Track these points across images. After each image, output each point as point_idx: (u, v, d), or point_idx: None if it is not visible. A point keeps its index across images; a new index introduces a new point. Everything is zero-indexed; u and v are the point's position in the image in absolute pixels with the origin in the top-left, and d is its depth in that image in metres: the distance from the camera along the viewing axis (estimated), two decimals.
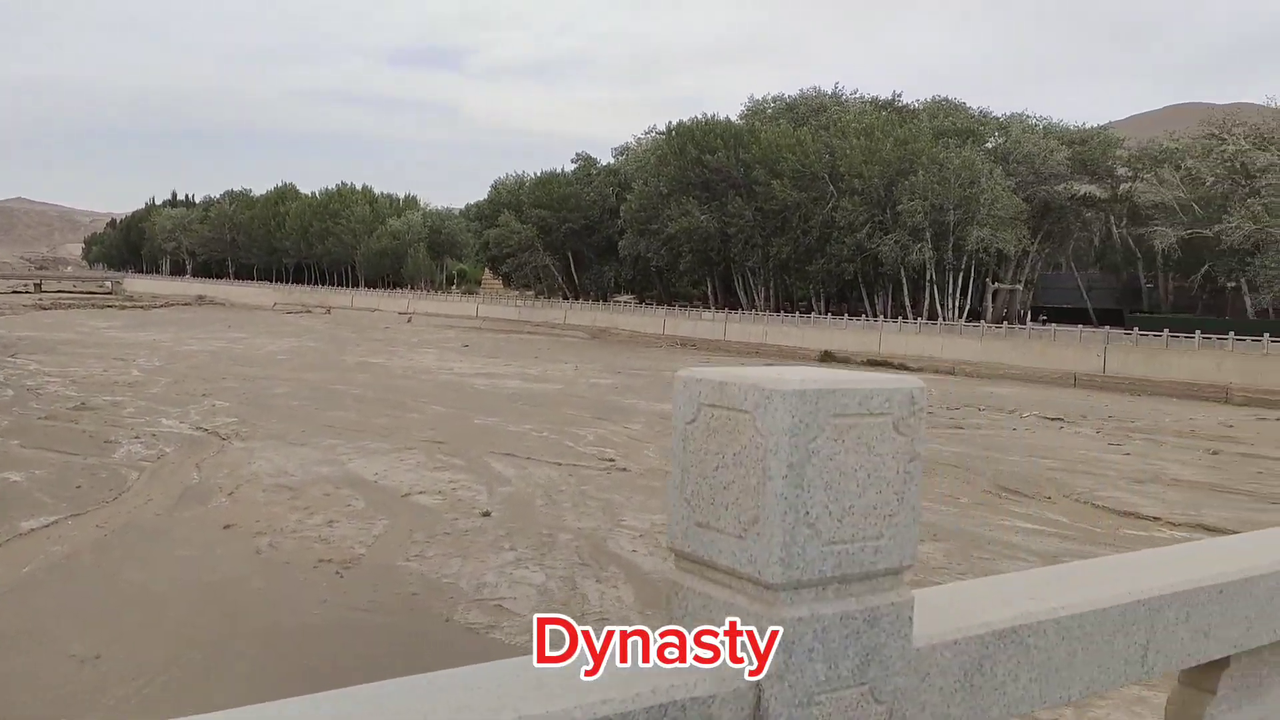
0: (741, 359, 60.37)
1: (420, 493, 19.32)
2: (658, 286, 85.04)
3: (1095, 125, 75.57)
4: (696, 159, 68.06)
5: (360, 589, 13.27)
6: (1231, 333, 44.31)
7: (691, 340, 68.15)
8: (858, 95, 78.31)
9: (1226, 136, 62.14)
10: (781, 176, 64.67)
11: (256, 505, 17.99)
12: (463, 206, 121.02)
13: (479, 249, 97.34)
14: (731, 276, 75.71)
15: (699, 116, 74.98)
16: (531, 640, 11.55)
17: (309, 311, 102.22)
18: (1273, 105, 61.17)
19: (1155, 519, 19.20)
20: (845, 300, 72.86)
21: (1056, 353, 48.89)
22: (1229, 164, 61.18)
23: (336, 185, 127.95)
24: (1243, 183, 59.81)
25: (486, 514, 17.63)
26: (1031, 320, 66.97)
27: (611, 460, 23.51)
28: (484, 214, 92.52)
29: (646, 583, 13.87)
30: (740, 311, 70.83)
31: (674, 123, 74.57)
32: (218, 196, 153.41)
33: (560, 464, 22.73)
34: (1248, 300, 62.16)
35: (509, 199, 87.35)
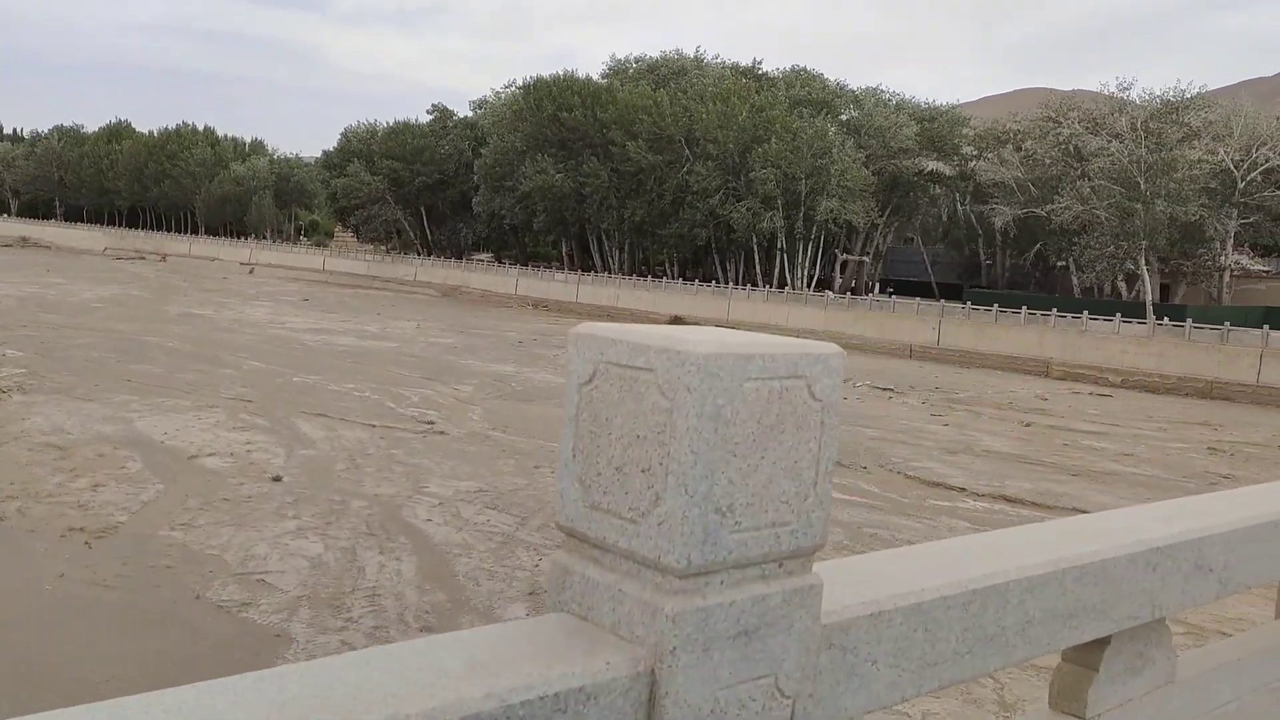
0: (591, 321, 59.81)
1: (210, 455, 17.95)
2: (515, 246, 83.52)
3: (945, 104, 77.79)
4: (553, 116, 66.70)
5: (108, 562, 12.03)
6: (1054, 309, 46.34)
7: (544, 301, 67.20)
8: (719, 60, 78.29)
9: (1062, 120, 64.82)
10: (637, 138, 64.04)
11: (16, 465, 16.30)
12: (318, 155, 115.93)
13: (327, 199, 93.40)
14: (588, 238, 74.93)
15: (559, 73, 73.58)
16: (290, 620, 10.65)
17: (142, 258, 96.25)
18: (1105, 92, 64.01)
19: (961, 489, 19.56)
20: (700, 266, 73.14)
21: (895, 324, 50.19)
22: (1063, 146, 63.89)
23: (177, 125, 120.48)
24: (1075, 165, 62.57)
25: (277, 479, 16.46)
26: (880, 292, 68.73)
27: (431, 423, 22.54)
28: (333, 163, 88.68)
29: (433, 555, 13.10)
30: (593, 274, 70.16)
31: (532, 77, 72.86)
32: (45, 131, 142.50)
33: (375, 426, 21.63)
34: (1074, 279, 65.38)
35: (359, 148, 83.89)
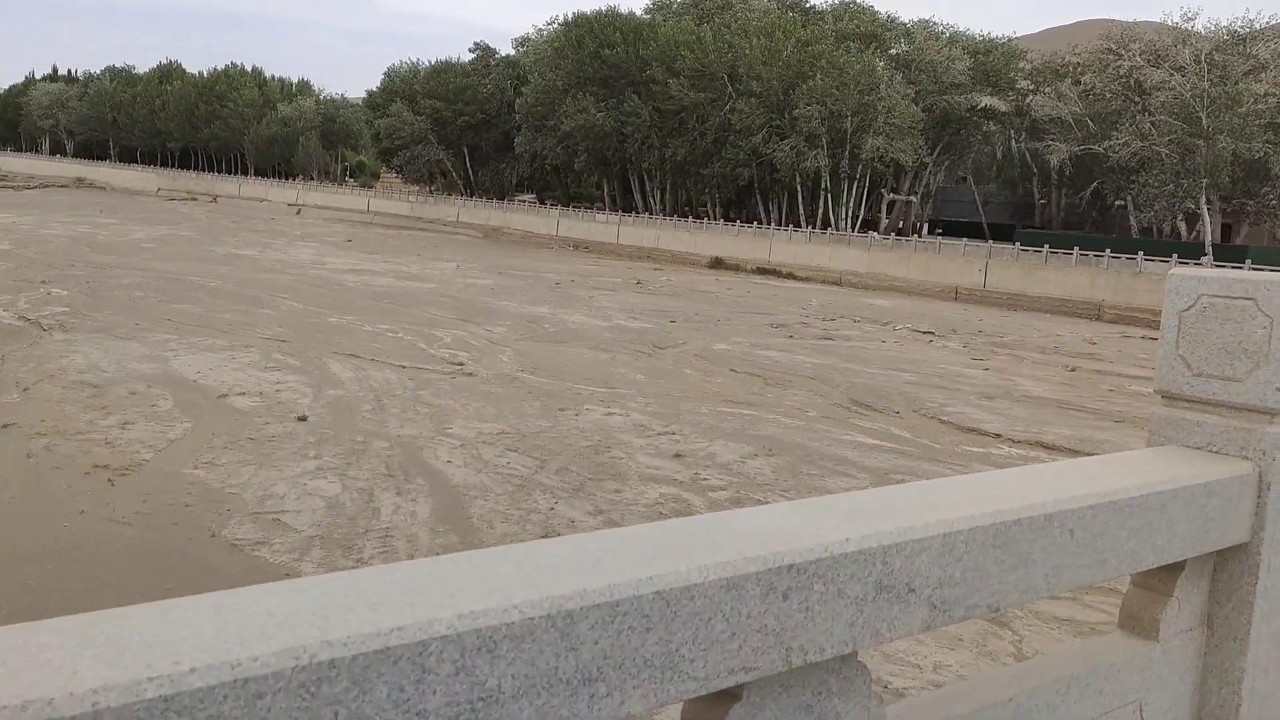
0: (632, 262, 59.47)
1: (240, 394, 18.12)
2: (558, 187, 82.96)
3: (1002, 36, 75.18)
4: (594, 53, 65.67)
5: (128, 500, 12.18)
6: (1107, 250, 45.01)
7: (584, 242, 66.88)
8: None
9: (1123, 52, 62.36)
10: (679, 75, 62.86)
11: (49, 403, 16.58)
12: (363, 96, 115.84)
13: (371, 140, 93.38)
14: (629, 179, 74.16)
15: (602, 9, 72.28)
16: (301, 560, 10.70)
17: (194, 199, 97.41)
18: (1168, 23, 61.36)
19: (996, 436, 19.14)
20: (744, 207, 72.12)
21: (940, 266, 49.16)
22: (1123, 80, 61.56)
23: (225, 66, 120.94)
24: (1135, 99, 60.33)
25: (302, 418, 16.56)
26: (928, 233, 67.31)
27: (460, 364, 22.55)
28: (376, 103, 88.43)
29: (450, 497, 13.09)
30: (634, 215, 69.53)
31: (573, 13, 71.69)
32: (98, 72, 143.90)
33: (404, 367, 21.68)
34: (1132, 219, 63.41)
35: (402, 88, 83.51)
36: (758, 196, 68.02)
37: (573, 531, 12.00)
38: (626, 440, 16.68)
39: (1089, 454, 17.77)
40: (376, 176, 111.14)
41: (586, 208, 77.59)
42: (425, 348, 24.53)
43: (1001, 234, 67.90)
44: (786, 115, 61.80)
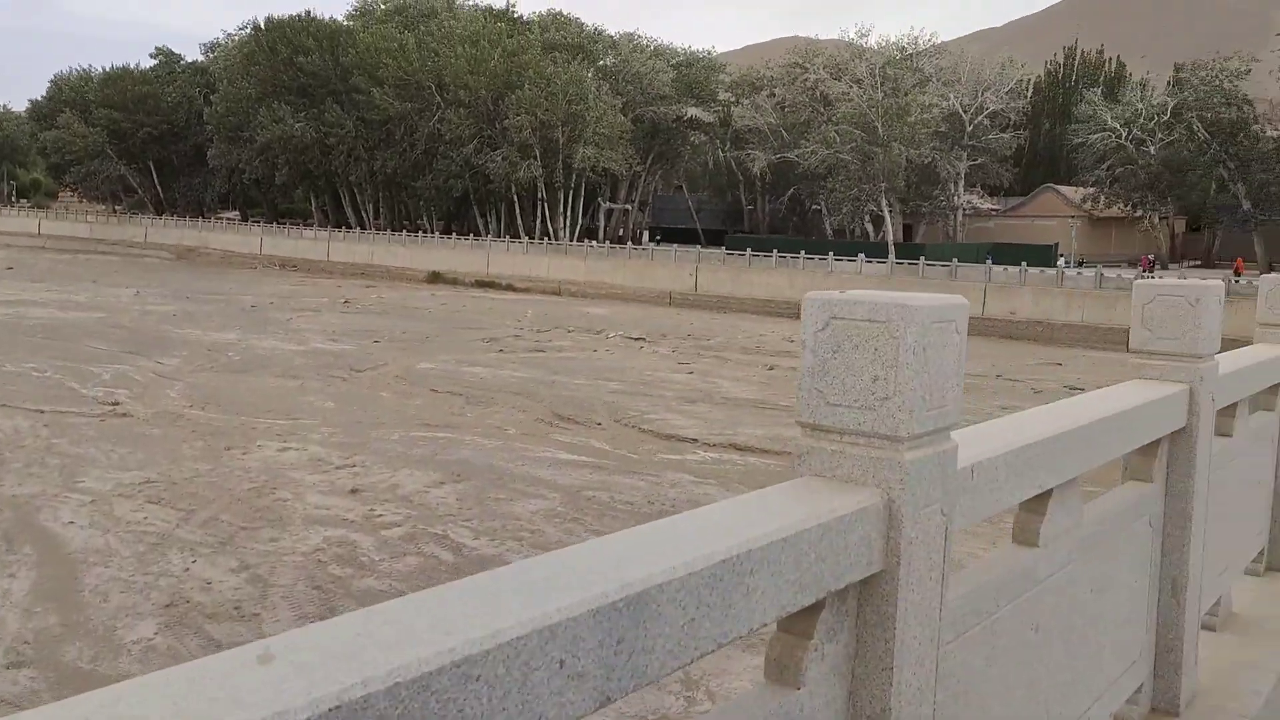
0: (344, 280, 56.62)
1: None
2: (263, 203, 77.82)
3: (702, 50, 78.29)
4: (289, 60, 61.94)
5: None
6: (802, 252, 47.56)
7: (292, 261, 63.04)
8: (470, 3, 75.25)
9: (808, 67, 66.55)
10: (383, 84, 60.51)
11: None
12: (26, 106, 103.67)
13: (38, 154, 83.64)
14: (339, 193, 70.72)
15: (298, 13, 68.40)
16: None
17: None
18: (845, 39, 66.13)
19: (693, 440, 19.12)
20: (464, 219, 70.69)
21: (654, 272, 50.10)
22: (811, 92, 65.68)
23: None
24: (822, 110, 64.49)
25: None
26: (648, 240, 68.80)
27: (115, 404, 19.91)
28: (43, 114, 79.17)
29: (62, 565, 11.07)
30: (345, 231, 66.33)
31: (264, 19, 67.41)
32: None
33: (42, 412, 18.80)
34: (826, 222, 67.78)
35: (72, 97, 75.27)
36: (475, 208, 66.81)
37: (207, 594, 10.41)
38: (298, 478, 15.09)
39: (780, 453, 18.00)
40: (54, 196, 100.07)
41: (296, 224, 73.23)
42: (76, 387, 21.55)
43: (715, 239, 70.61)
44: (497, 125, 61.02)
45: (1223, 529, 3.76)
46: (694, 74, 73.85)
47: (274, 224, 71.37)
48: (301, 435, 18.01)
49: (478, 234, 64.65)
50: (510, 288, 53.15)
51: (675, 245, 57.68)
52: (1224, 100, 60.13)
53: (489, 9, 73.56)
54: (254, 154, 65.49)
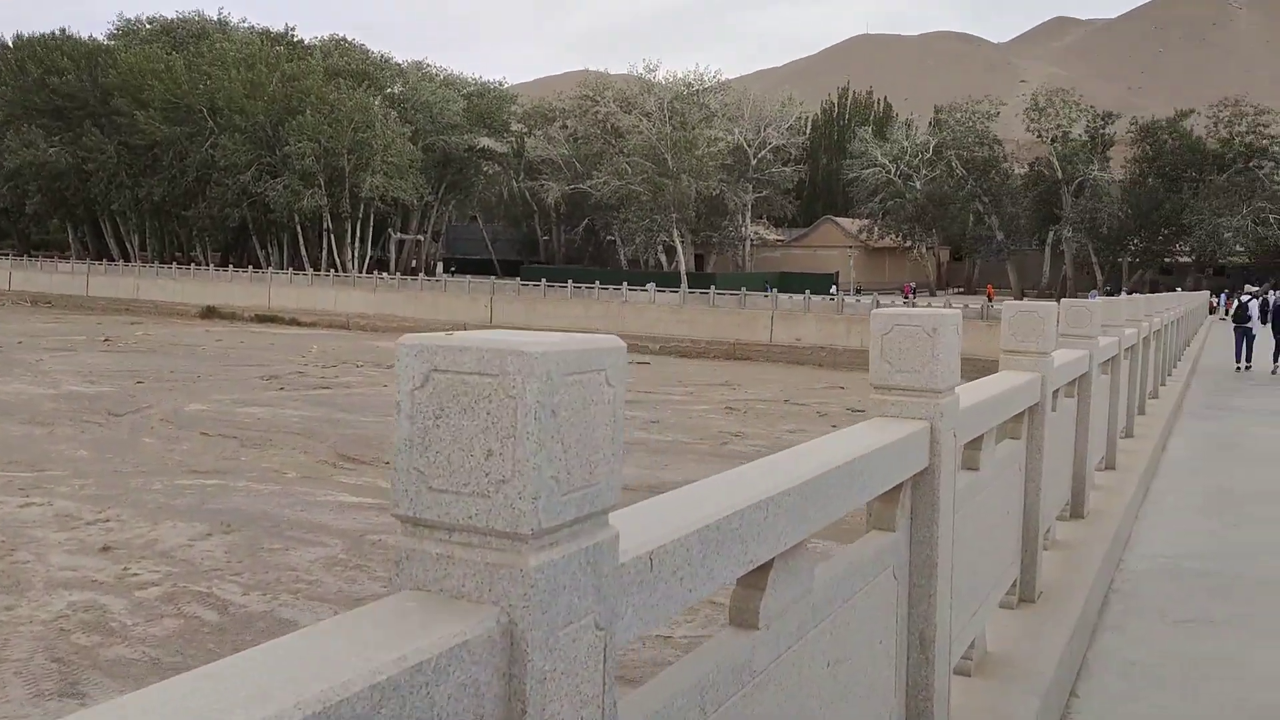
0: (106, 317, 52.34)
1: None
2: (12, 233, 71.09)
3: (494, 81, 77.98)
4: (40, 80, 56.96)
5: None
6: (597, 282, 47.85)
7: (47, 296, 57.70)
8: (246, 24, 71.91)
9: (599, 100, 67.55)
10: (149, 107, 56.59)
11: None
12: None
13: None
14: (100, 223, 65.50)
15: (53, 32, 63.16)
16: None
17: None
18: (634, 74, 67.64)
19: None
20: (243, 250, 67.00)
21: (447, 304, 49.05)
22: (602, 124, 66.65)
23: None
24: (613, 142, 65.52)
25: None
26: (442, 271, 67.53)
27: None
28: None
29: None
30: (107, 263, 61.40)
31: (14, 35, 61.84)
32: None
33: None
34: (621, 252, 68.80)
35: None
36: (254, 239, 63.46)
37: None
38: (41, 537, 13.45)
39: None
40: None
41: (51, 257, 67.19)
42: None
43: (512, 270, 70.27)
44: (277, 152, 58.27)
45: (974, 568, 3.58)
46: (485, 104, 73.51)
47: (25, 257, 65.15)
48: (47, 488, 16.17)
49: (258, 266, 61.32)
50: (295, 322, 50.68)
51: (469, 276, 56.81)
52: (977, 140, 65.48)
53: (266, 32, 70.50)
54: (1, 181, 59.69)
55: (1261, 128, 62.01)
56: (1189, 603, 5.50)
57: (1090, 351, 6.21)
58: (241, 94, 56.42)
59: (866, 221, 69.74)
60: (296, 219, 59.16)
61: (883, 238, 69.42)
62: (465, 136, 70.04)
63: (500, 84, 77.91)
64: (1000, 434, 4.16)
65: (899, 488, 2.79)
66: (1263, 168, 61.39)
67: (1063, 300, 6.54)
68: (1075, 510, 6.27)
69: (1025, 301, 5.09)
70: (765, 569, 2.00)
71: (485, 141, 72.50)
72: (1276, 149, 61.78)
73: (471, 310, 48.17)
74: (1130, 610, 5.35)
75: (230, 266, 59.81)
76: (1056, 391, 5.15)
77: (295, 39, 70.56)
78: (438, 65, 77.79)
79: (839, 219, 76.92)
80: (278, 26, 72.12)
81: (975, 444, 3.66)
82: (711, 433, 23.36)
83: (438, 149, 68.55)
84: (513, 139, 74.91)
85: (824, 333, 40.33)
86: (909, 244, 69.11)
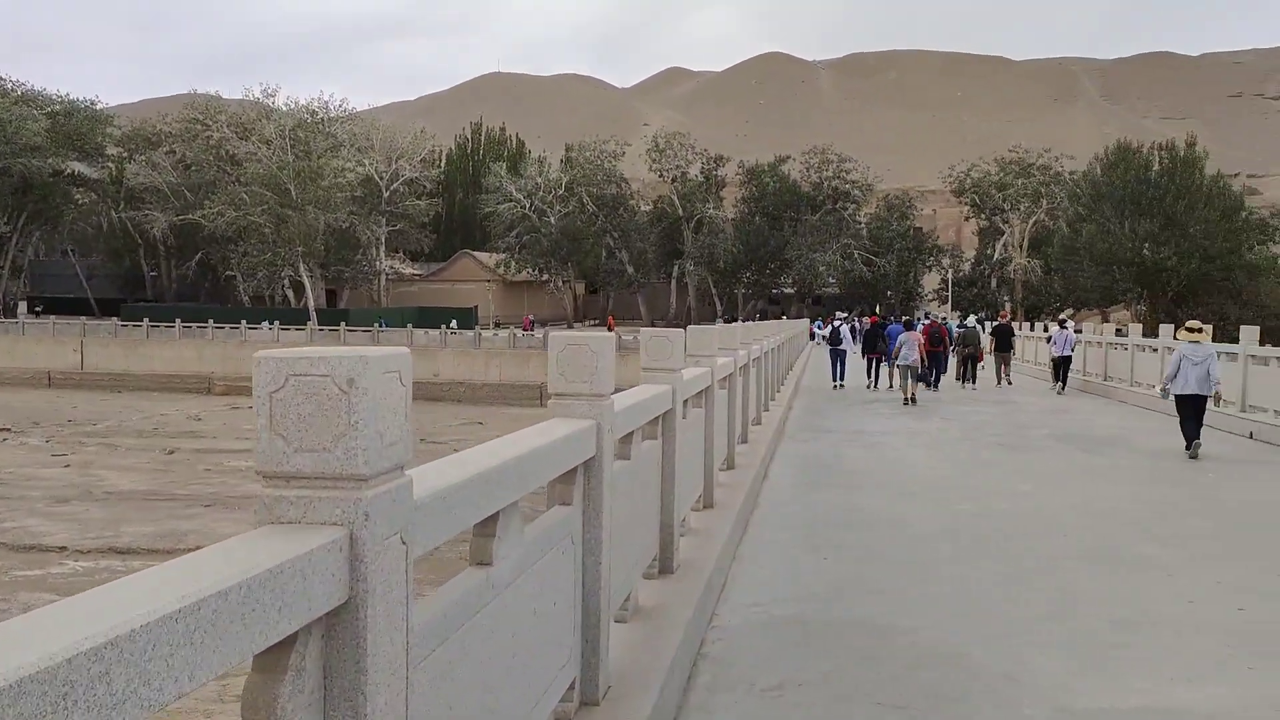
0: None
1: None
2: None
3: (85, 100, 69.30)
4: None
5: None
6: (211, 321, 43.69)
7: None
8: None
9: (211, 124, 62.31)
10: None
11: None
12: None
13: None
14: None
15: None
16: None
17: None
18: (250, 98, 63.20)
19: (62, 549, 15.69)
20: None
21: (28, 349, 42.48)
22: (216, 150, 61.48)
23: None
24: (229, 170, 60.63)
25: None
26: (24, 312, 58.87)
27: None
28: None
29: None
30: None
31: None
32: None
33: None
34: (241, 288, 63.62)
35: None
36: None
37: None
38: None
39: (171, 551, 15.37)
40: None
41: None
42: None
43: (112, 309, 62.79)
44: None
45: (627, 538, 4.35)
46: (75, 124, 65.37)
47: None
48: None
49: None
50: None
51: (54, 317, 49.75)
52: (606, 178, 68.09)
53: None
54: None
55: (844, 174, 69.95)
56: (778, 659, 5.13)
57: (711, 369, 7.32)
58: None
59: (504, 255, 69.95)
60: None
61: (520, 271, 69.97)
62: (50, 160, 61.66)
63: (93, 103, 69.57)
64: (645, 434, 5.01)
65: (574, 470, 3.45)
66: (847, 209, 69.24)
67: (689, 327, 7.44)
68: (706, 501, 7.39)
69: (657, 328, 6.04)
70: (494, 521, 2.63)
71: (76, 166, 64.23)
72: (856, 193, 69.99)
73: (58, 355, 42.13)
74: (719, 677, 4.87)
75: None
76: (686, 401, 6.07)
77: None
78: (14, 80, 68.11)
79: (477, 253, 76.60)
80: None
81: (627, 439, 4.41)
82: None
83: (15, 173, 59.81)
84: (110, 164, 67.13)
85: (462, 368, 39.44)
86: (546, 277, 70.21)
